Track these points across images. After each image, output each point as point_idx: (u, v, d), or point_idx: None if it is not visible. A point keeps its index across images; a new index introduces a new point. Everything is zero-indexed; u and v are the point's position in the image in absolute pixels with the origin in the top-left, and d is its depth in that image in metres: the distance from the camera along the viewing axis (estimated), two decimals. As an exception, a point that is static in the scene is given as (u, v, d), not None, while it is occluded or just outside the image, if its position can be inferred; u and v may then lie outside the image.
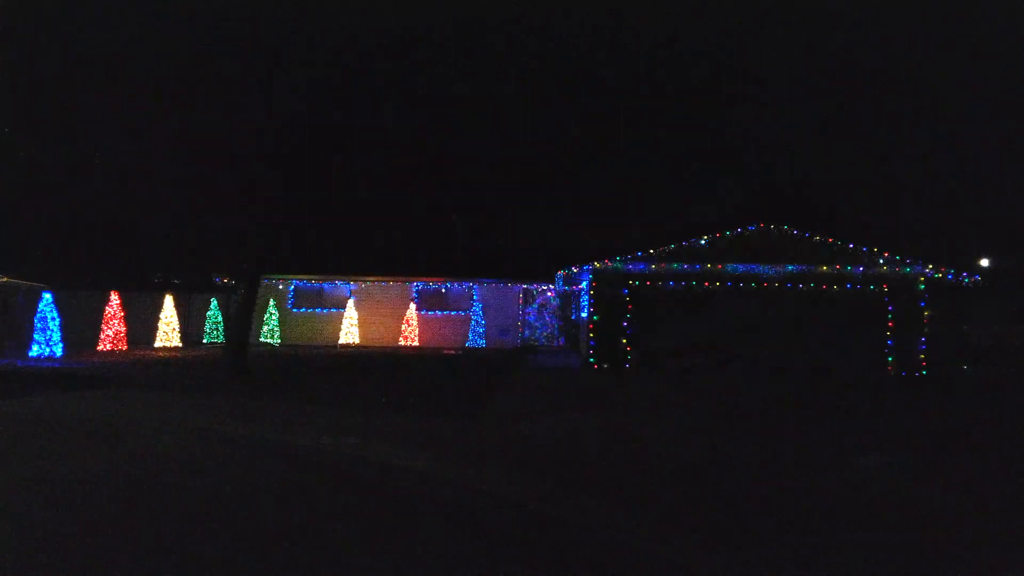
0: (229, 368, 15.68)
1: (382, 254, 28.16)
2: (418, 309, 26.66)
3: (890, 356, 19.09)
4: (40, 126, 13.97)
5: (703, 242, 19.25)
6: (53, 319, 18.32)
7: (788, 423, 11.00)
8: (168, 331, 22.86)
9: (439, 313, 27.02)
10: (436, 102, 16.59)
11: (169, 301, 22.93)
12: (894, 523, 5.83)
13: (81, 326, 20.68)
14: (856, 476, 7.48)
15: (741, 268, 19.19)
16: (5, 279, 19.13)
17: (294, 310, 26.89)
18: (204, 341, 24.80)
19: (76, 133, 15.23)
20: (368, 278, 26.80)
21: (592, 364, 19.25)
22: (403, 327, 26.18)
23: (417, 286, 26.92)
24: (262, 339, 25.43)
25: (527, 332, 27.17)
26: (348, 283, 26.93)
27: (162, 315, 22.76)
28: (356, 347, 25.34)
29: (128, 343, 21.39)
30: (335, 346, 25.52)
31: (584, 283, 20.55)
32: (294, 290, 27.08)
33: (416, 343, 26.13)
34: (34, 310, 18.43)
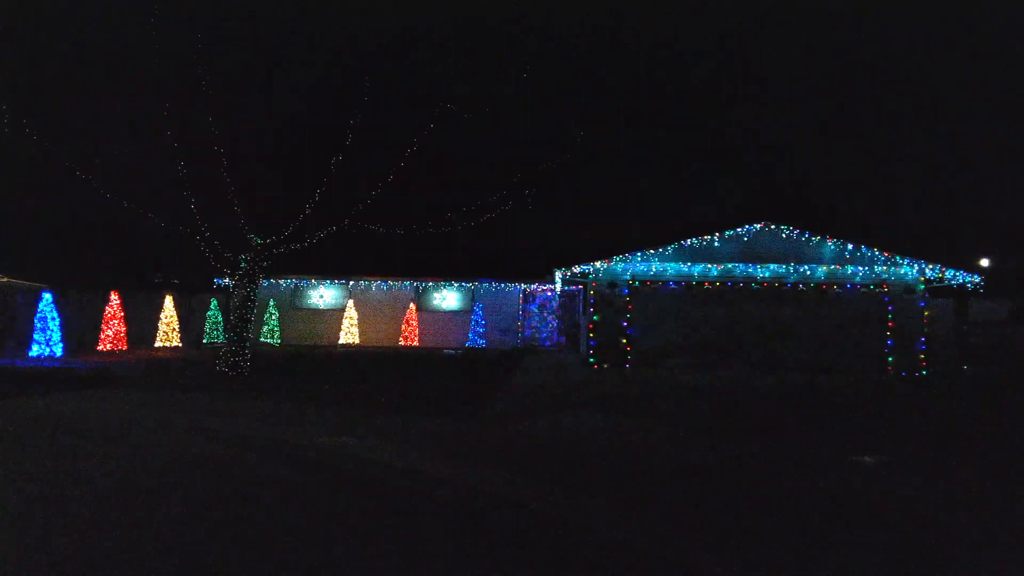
0: (229, 368, 15.68)
1: (382, 254, 28.17)
2: (418, 309, 26.67)
3: (890, 356, 19.08)
4: (39, 126, 13.97)
5: (703, 242, 19.24)
6: (53, 319, 18.32)
7: (788, 423, 11.00)
8: (168, 331, 22.87)
9: (439, 313, 27.02)
10: (436, 102, 16.56)
11: (169, 301, 22.93)
12: (894, 523, 5.83)
13: (81, 326, 20.68)
14: (856, 476, 7.48)
15: (741, 268, 19.19)
16: (5, 279, 19.15)
17: (294, 310, 26.90)
18: (204, 341, 24.79)
19: (76, 133, 15.25)
20: (368, 278, 26.81)
21: (592, 364, 19.25)
22: (403, 327, 26.18)
23: (417, 286, 26.92)
24: (262, 339, 25.43)
25: (527, 332, 27.17)
26: (348, 283, 26.94)
27: (162, 315, 22.77)
28: (356, 347, 25.34)
29: (128, 343, 21.38)
30: (335, 346, 25.52)
31: (584, 283, 20.55)
32: (294, 290, 27.09)
33: (416, 343, 26.14)
34: (34, 310, 18.43)
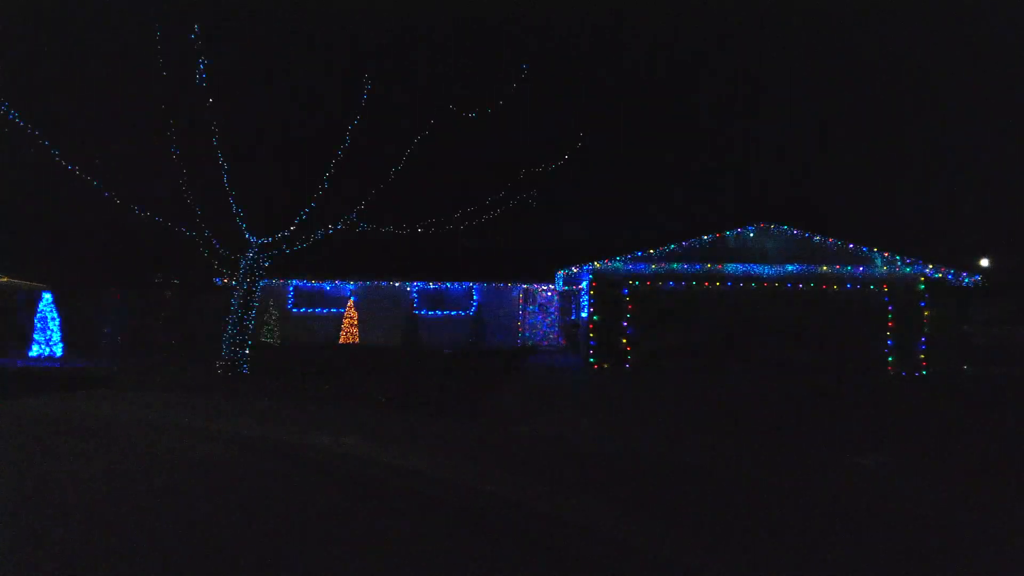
0: (229, 368, 15.68)
1: (382, 254, 28.17)
2: (418, 309, 26.67)
3: (890, 356, 19.09)
4: (39, 126, 13.97)
5: (703, 242, 19.25)
6: (53, 319, 18.33)
7: (788, 423, 11.00)
8: (168, 331, 22.88)
9: (439, 313, 27.02)
10: (436, 102, 16.56)
11: (169, 301, 22.95)
12: (894, 523, 5.83)
13: (81, 326, 20.69)
14: (856, 476, 7.48)
15: (741, 268, 19.19)
16: (5, 279, 19.16)
17: (294, 310, 26.89)
18: (204, 341, 24.79)
19: (76, 133, 15.24)
20: (368, 278, 26.80)
21: (592, 364, 19.25)
22: (402, 327, 26.18)
23: (417, 286, 26.92)
24: (262, 339, 25.43)
25: (527, 332, 27.18)
26: (348, 283, 26.93)
27: (162, 315, 22.79)
28: (356, 347, 25.33)
29: (128, 343, 21.39)
30: (335, 346, 25.52)
31: (584, 283, 20.55)
32: (294, 290, 27.09)
33: (416, 343, 26.13)
34: (34, 310, 18.44)
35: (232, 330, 15.99)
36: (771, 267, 19.16)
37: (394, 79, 17.28)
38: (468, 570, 4.60)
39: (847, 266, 19.11)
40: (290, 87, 17.43)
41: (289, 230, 16.45)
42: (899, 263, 19.13)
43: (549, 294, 27.16)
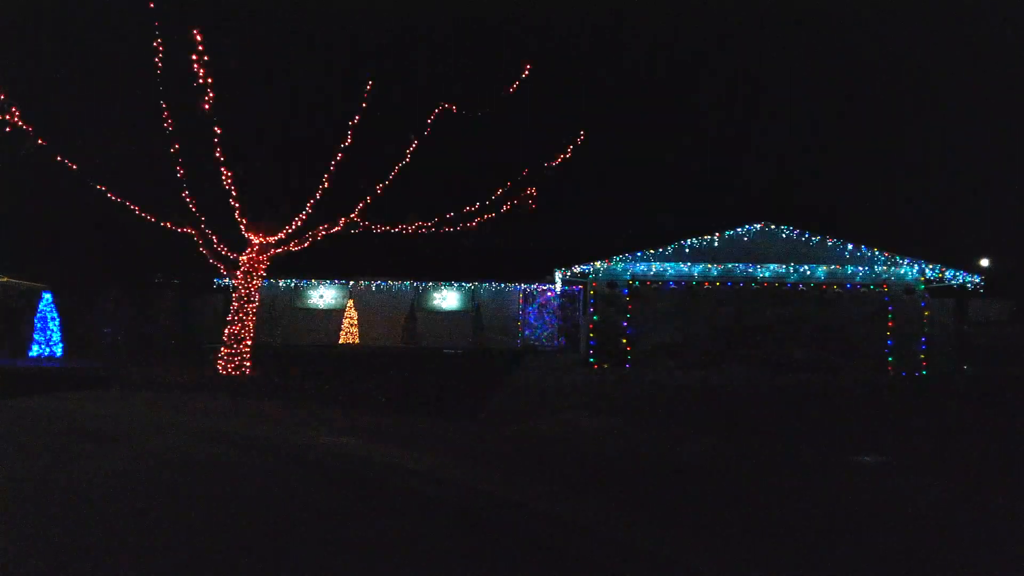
0: (229, 368, 15.68)
1: (382, 254, 28.15)
2: (418, 309, 26.66)
3: (890, 356, 19.08)
4: (39, 126, 13.96)
5: (703, 242, 19.24)
6: (53, 319, 18.33)
7: (788, 423, 11.00)
8: (168, 331, 22.88)
9: (439, 313, 27.02)
10: (436, 101, 16.55)
11: (169, 301, 22.95)
12: (894, 523, 5.83)
13: (81, 326, 20.69)
14: (856, 476, 7.48)
15: (741, 268, 19.19)
16: (5, 279, 19.15)
17: (294, 310, 26.89)
18: (204, 341, 24.80)
19: (76, 133, 15.23)
20: (368, 278, 26.79)
21: (592, 364, 19.25)
22: (403, 327, 26.17)
23: (417, 286, 26.91)
24: (262, 339, 25.42)
25: (527, 332, 27.18)
26: (348, 283, 26.92)
27: (162, 315, 22.78)
28: (356, 347, 25.33)
29: (128, 343, 21.39)
30: (335, 346, 25.52)
31: (584, 283, 20.55)
32: (294, 290, 27.09)
33: (416, 343, 26.12)
34: (34, 310, 18.44)
35: (232, 330, 15.99)
36: (771, 267, 19.16)
37: (394, 78, 17.27)
38: (468, 570, 4.59)
39: (847, 266, 19.11)
40: (290, 86, 17.42)
41: (289, 230, 16.44)
42: (899, 263, 19.13)
43: (549, 294, 27.16)
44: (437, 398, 12.53)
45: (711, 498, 6.51)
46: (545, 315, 27.30)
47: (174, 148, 14.81)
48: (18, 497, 5.97)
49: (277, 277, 26.16)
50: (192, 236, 16.03)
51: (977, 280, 19.70)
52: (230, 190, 15.53)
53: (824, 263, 19.14)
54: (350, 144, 16.02)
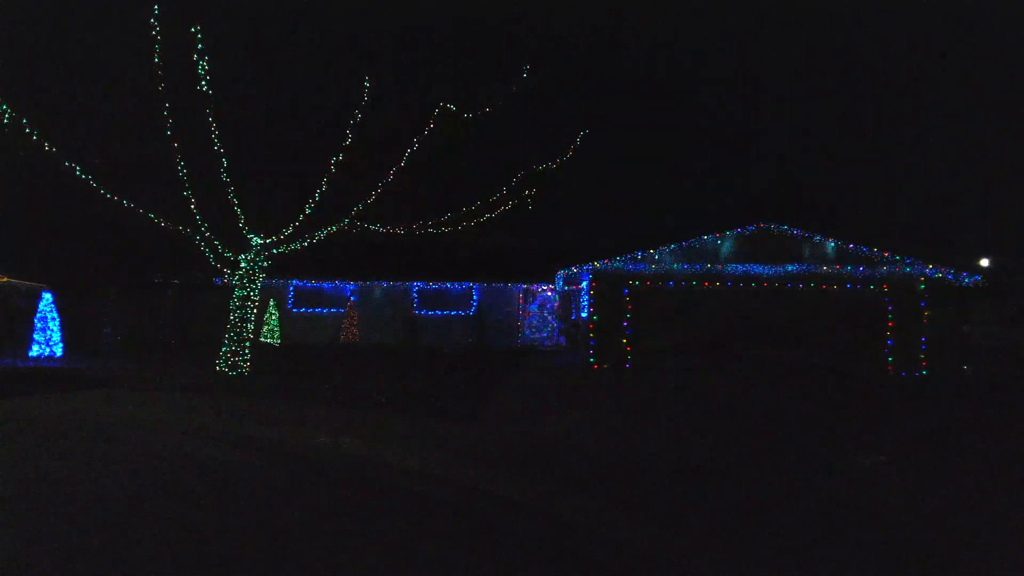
0: (229, 368, 15.68)
1: (382, 254, 28.17)
2: (418, 309, 26.66)
3: (890, 356, 19.08)
4: (39, 126, 13.96)
5: (703, 242, 19.24)
6: (53, 319, 18.33)
7: (788, 423, 11.00)
8: (168, 331, 22.88)
9: (439, 313, 27.02)
10: (436, 101, 16.55)
11: (169, 301, 22.95)
12: (894, 523, 5.83)
13: (81, 326, 20.69)
14: (856, 476, 7.48)
15: (741, 268, 19.19)
16: (5, 279, 19.15)
17: (294, 310, 26.88)
18: (204, 341, 24.80)
19: (76, 133, 15.23)
20: (368, 278, 26.78)
21: (592, 364, 19.24)
22: (402, 327, 26.17)
23: (417, 286, 26.91)
24: (262, 339, 25.42)
25: (527, 332, 27.17)
26: (348, 283, 26.92)
27: (162, 315, 22.79)
28: (356, 347, 25.33)
29: (128, 343, 21.39)
30: (335, 346, 25.51)
31: (584, 283, 20.55)
32: (294, 290, 27.08)
33: (415, 343, 26.13)
34: (34, 310, 18.44)
35: (232, 330, 16.00)
36: (771, 267, 19.16)
37: (394, 78, 17.28)
38: (468, 570, 4.60)
39: (847, 266, 19.11)
40: (290, 86, 17.42)
41: (289, 230, 16.44)
42: (899, 263, 19.13)
43: (549, 294, 27.16)
44: (437, 398, 12.53)
45: (711, 498, 6.51)
46: (545, 315, 27.30)
47: (174, 148, 14.81)
48: (19, 497, 5.97)
49: (277, 277, 26.15)
50: (192, 236, 16.03)
51: (977, 280, 19.70)
52: (230, 190, 15.54)
53: (824, 263, 19.14)
54: (350, 144, 16.02)
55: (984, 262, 36.19)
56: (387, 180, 16.49)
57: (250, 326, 16.17)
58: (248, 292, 16.20)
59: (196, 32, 14.20)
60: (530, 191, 18.35)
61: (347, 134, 15.95)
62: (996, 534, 5.69)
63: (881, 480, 7.37)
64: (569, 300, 26.83)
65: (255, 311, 16.50)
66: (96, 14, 16.45)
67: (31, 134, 13.88)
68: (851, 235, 19.52)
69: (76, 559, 4.62)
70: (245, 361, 15.92)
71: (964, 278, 19.48)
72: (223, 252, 16.46)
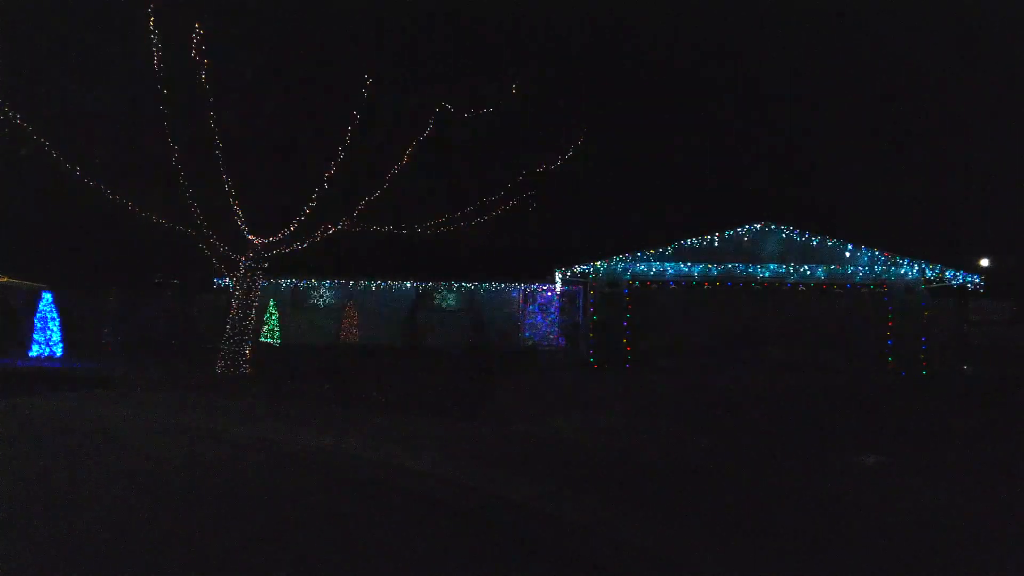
0: (229, 368, 15.68)
1: (382, 254, 28.16)
2: (418, 309, 26.65)
3: (890, 356, 19.09)
4: (39, 126, 13.97)
5: (703, 242, 19.25)
6: (53, 319, 18.32)
7: (788, 423, 11.00)
8: (169, 331, 22.88)
9: (439, 313, 27.01)
10: (437, 101, 16.55)
11: (169, 301, 22.95)
12: (894, 523, 5.83)
13: (81, 326, 20.68)
14: (856, 476, 7.48)
15: (741, 268, 19.19)
16: (5, 279, 19.15)
17: (294, 310, 26.87)
18: (204, 341, 24.80)
19: (76, 133, 15.23)
20: (368, 278, 26.78)
21: (592, 364, 19.25)
22: (403, 327, 26.17)
23: (417, 286, 26.90)
24: (262, 339, 25.41)
25: (527, 332, 27.16)
26: (348, 283, 26.91)
27: (163, 315, 22.78)
28: (356, 347, 25.33)
29: (128, 343, 21.39)
30: (335, 346, 25.51)
31: (584, 283, 20.56)
32: (294, 290, 27.07)
33: (416, 343, 26.12)
34: (34, 310, 18.43)
35: (232, 330, 15.99)
36: (771, 267, 19.16)
37: (394, 78, 17.27)
38: (468, 570, 4.60)
39: (847, 266, 19.12)
40: (290, 86, 17.42)
41: (289, 230, 16.44)
42: (899, 263, 19.14)
43: (549, 294, 27.15)
44: (437, 398, 12.53)
45: (711, 498, 6.51)
46: (545, 315, 27.29)
47: (174, 148, 14.81)
48: (19, 497, 5.97)
49: (277, 277, 26.15)
50: (192, 236, 16.03)
51: (977, 280, 19.70)
52: (231, 190, 15.54)
53: (824, 263, 19.15)
54: (350, 143, 16.02)
55: (984, 262, 36.17)
56: (387, 180, 16.49)
57: (250, 326, 16.17)
58: (248, 292, 16.19)
59: (196, 32, 14.20)
60: (530, 191, 18.35)
61: (347, 134, 15.95)
62: (996, 534, 5.69)
63: (881, 480, 7.37)
64: (569, 300, 26.83)
65: (255, 311, 16.49)
66: (96, 14, 16.44)
67: (31, 134, 13.88)
68: (851, 235, 19.54)
69: (75, 559, 4.62)
70: (245, 361, 15.92)
71: (964, 278, 19.49)
72: (223, 252, 16.46)
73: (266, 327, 25.66)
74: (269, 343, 25.48)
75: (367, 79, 15.79)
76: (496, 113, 16.93)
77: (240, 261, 16.38)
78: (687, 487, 6.92)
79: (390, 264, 27.43)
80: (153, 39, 14.19)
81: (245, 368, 15.86)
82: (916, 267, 19.14)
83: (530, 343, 26.77)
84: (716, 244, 19.27)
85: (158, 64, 14.31)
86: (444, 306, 27.22)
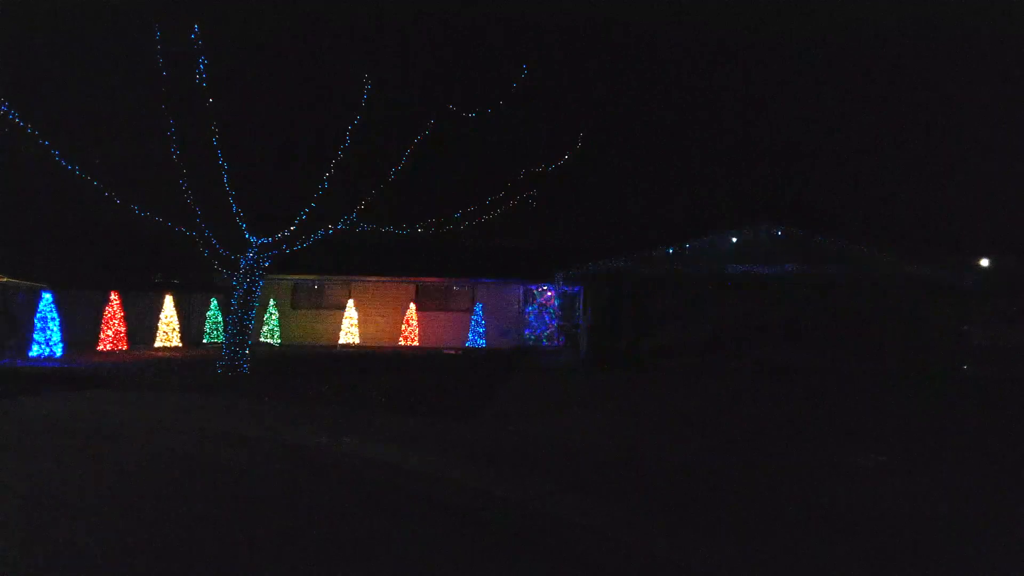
0: (229, 368, 15.68)
1: (382, 254, 28.17)
2: (418, 309, 26.66)
3: (890, 356, 19.08)
4: (39, 126, 13.98)
5: (703, 242, 19.25)
6: (53, 319, 18.31)
7: (788, 423, 11.00)
8: (168, 331, 22.86)
9: (439, 313, 27.01)
10: (437, 101, 16.56)
11: (169, 301, 22.92)
12: (894, 523, 5.83)
13: (81, 326, 20.67)
14: (856, 476, 7.48)
15: (741, 268, 19.19)
16: (5, 279, 19.13)
17: (294, 310, 26.88)
18: (204, 341, 24.80)
19: (76, 133, 15.25)
20: (368, 278, 26.79)
21: (592, 364, 19.24)
22: (403, 327, 26.18)
23: (417, 286, 26.91)
24: (262, 339, 25.43)
25: (527, 332, 27.16)
26: (348, 283, 26.92)
27: (162, 315, 22.76)
28: (356, 347, 25.33)
29: (128, 343, 21.38)
30: (335, 346, 25.52)
31: (584, 283, 20.56)
32: (294, 290, 27.07)
33: (416, 343, 26.13)
34: (34, 310, 18.42)
35: (232, 330, 15.99)
36: (771, 267, 19.16)
37: (394, 78, 17.28)
38: (468, 570, 4.60)
39: (847, 266, 19.12)
40: (290, 86, 17.43)
41: (289, 230, 16.44)
42: (899, 263, 19.14)
43: (549, 294, 27.16)
44: (437, 398, 12.53)
45: (711, 498, 6.51)
46: (545, 315, 27.29)
47: (174, 148, 14.81)
48: (19, 497, 5.97)
49: (277, 277, 26.15)
50: (192, 236, 16.03)
51: (977, 280, 19.71)
52: (230, 190, 15.53)
53: (824, 263, 19.15)
54: (350, 143, 16.02)
55: (984, 262, 36.17)
56: (387, 180, 16.50)
57: (250, 326, 16.17)
58: (248, 292, 16.19)
59: (195, 32, 14.20)
60: (530, 191, 18.35)
61: (347, 133, 15.95)
62: (996, 533, 5.69)
63: (881, 480, 7.37)
64: (569, 300, 26.83)
65: (255, 311, 16.49)
66: (96, 15, 16.46)
67: (32, 134, 13.88)
68: (851, 235, 19.56)
69: (75, 559, 4.62)
70: (245, 361, 15.92)
71: (964, 278, 19.49)
72: (223, 252, 16.45)
73: (266, 327, 25.67)
74: (269, 343, 25.48)
75: (367, 79, 15.79)
76: (496, 113, 16.93)
77: (240, 261, 16.38)
78: (687, 487, 6.92)
79: (390, 264, 27.44)
80: (154, 36, 14.18)
81: (244, 368, 15.85)
82: (916, 267, 19.14)
83: (530, 343, 26.77)
84: (716, 244, 19.27)
85: (158, 63, 14.31)
86: (444, 306, 27.21)
